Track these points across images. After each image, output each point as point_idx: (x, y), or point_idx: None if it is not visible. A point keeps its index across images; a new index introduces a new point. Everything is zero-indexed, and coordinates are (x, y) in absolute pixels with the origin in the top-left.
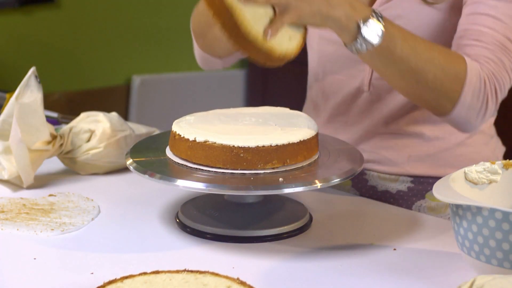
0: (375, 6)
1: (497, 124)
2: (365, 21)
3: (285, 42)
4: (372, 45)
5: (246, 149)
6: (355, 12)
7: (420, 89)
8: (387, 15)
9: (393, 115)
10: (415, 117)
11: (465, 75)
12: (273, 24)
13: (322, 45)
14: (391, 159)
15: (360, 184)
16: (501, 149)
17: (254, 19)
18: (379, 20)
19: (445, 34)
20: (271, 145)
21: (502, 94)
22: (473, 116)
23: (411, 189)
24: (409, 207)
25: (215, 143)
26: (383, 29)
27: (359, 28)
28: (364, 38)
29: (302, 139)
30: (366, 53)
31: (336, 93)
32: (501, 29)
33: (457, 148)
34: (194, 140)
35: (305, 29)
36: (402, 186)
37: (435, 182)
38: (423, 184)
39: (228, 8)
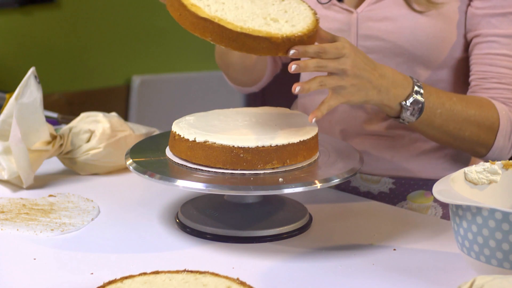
0: (363, 7)
1: None
2: (407, 100)
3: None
4: (414, 120)
5: (246, 149)
6: (398, 91)
7: (457, 143)
8: (375, 15)
9: (376, 118)
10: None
11: (498, 124)
12: (322, 106)
13: None
14: (374, 160)
15: (343, 185)
16: None
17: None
18: (420, 95)
19: (430, 39)
20: (271, 145)
21: None
22: (504, 154)
23: (393, 191)
24: None
25: (215, 143)
26: (424, 103)
27: (402, 107)
28: (407, 116)
29: (302, 139)
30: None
31: (322, 92)
32: None
33: (439, 151)
34: (194, 141)
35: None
36: (384, 187)
37: (416, 184)
38: (404, 186)
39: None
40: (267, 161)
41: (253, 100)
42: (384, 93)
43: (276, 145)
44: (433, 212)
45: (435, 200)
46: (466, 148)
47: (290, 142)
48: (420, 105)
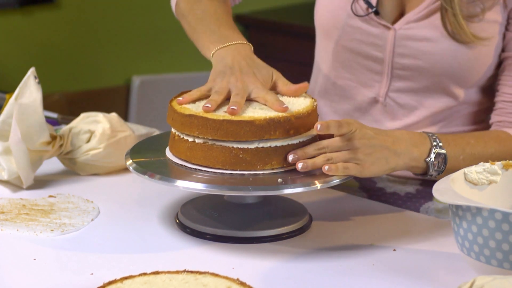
0: (401, 24)
1: None
2: (430, 155)
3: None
4: (441, 173)
5: (245, 150)
6: (420, 149)
7: None
8: (414, 35)
9: (405, 127)
10: (426, 131)
11: None
12: (340, 167)
13: (339, 51)
14: None
15: (368, 186)
16: None
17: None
18: (440, 147)
19: (471, 61)
20: (270, 146)
21: None
22: None
23: (420, 191)
24: (417, 209)
25: (214, 144)
26: (447, 154)
27: (427, 164)
28: (434, 170)
29: (301, 141)
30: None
31: (348, 99)
32: None
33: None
34: (194, 141)
35: None
36: (411, 188)
37: None
38: (431, 186)
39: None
40: (267, 162)
41: None
42: (405, 155)
43: (276, 146)
44: None
45: None
46: None
47: (289, 144)
48: (443, 157)
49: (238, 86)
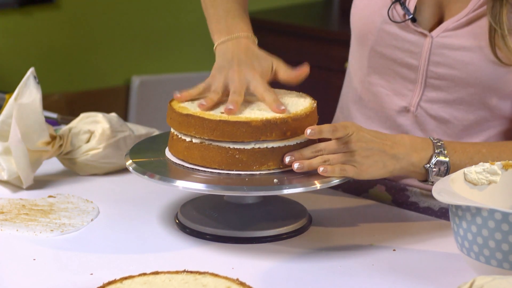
0: (438, 31)
1: None
2: (431, 161)
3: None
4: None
5: (242, 151)
6: (420, 155)
7: None
8: (452, 43)
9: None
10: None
11: None
12: (337, 168)
13: (373, 57)
14: None
15: (401, 200)
16: None
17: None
18: (443, 155)
19: (502, 76)
20: (266, 147)
21: None
22: None
23: None
24: None
25: (211, 144)
26: (449, 162)
27: (427, 170)
28: (434, 177)
29: (298, 142)
30: None
31: (380, 106)
32: None
33: None
34: (191, 141)
35: None
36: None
37: None
38: None
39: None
40: (263, 163)
41: None
42: (404, 159)
43: (272, 147)
44: None
45: None
46: None
47: (287, 145)
48: (445, 165)
49: (235, 80)
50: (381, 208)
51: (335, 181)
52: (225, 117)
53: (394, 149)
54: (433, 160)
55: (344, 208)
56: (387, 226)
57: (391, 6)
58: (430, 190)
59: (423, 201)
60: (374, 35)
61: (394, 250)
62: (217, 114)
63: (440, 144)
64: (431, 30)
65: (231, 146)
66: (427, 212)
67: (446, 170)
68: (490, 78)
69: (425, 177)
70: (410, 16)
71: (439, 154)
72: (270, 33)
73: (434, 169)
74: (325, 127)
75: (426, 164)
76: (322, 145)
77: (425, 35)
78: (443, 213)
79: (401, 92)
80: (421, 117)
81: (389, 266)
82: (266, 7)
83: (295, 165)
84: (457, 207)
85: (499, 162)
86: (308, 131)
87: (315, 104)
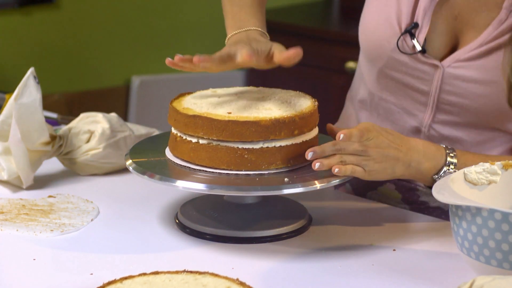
0: (450, 61)
1: None
2: (439, 172)
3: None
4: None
5: (250, 150)
6: (431, 164)
7: None
8: (464, 75)
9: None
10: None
11: None
12: (344, 168)
13: (383, 78)
14: None
15: (411, 199)
16: None
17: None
18: (454, 165)
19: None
20: (275, 146)
21: None
22: None
23: None
24: None
25: (219, 144)
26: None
27: (434, 181)
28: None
29: (304, 140)
30: None
31: (391, 122)
32: None
33: None
34: (197, 142)
35: None
36: None
37: None
38: None
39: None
40: (271, 162)
41: None
42: (414, 167)
43: (280, 146)
44: None
45: None
46: None
47: (293, 143)
48: (452, 168)
49: (231, 48)
50: (381, 208)
51: (335, 181)
52: (233, 117)
53: (408, 156)
54: (441, 173)
55: (344, 208)
56: (387, 226)
57: (400, 37)
58: None
59: (433, 200)
60: (384, 60)
61: (394, 250)
62: (224, 114)
63: (453, 154)
64: (443, 58)
65: (240, 146)
66: (436, 211)
67: None
68: (501, 107)
69: (431, 184)
70: (419, 50)
71: (449, 165)
72: (270, 33)
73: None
74: (355, 131)
75: (435, 175)
76: (342, 144)
77: (436, 66)
78: None
79: (412, 112)
80: (433, 138)
81: (389, 266)
82: (266, 7)
83: (316, 165)
84: (457, 207)
85: (499, 162)
86: (341, 135)
87: (316, 103)
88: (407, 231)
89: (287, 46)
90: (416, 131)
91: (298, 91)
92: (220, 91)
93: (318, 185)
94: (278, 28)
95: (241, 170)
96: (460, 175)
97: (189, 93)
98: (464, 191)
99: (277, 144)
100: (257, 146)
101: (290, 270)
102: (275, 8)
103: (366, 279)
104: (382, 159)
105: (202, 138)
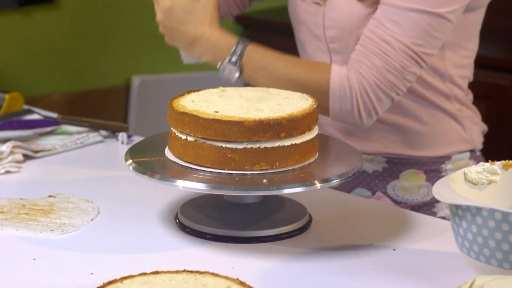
0: None
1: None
2: (222, 65)
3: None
4: (234, 79)
5: (234, 150)
6: (216, 55)
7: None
8: (334, 7)
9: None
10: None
11: (328, 87)
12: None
13: (301, 39)
14: (365, 139)
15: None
16: (477, 133)
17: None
18: (234, 63)
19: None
20: (259, 147)
21: (377, 93)
22: (350, 118)
23: (386, 170)
24: (384, 187)
25: (204, 142)
26: (237, 74)
27: (219, 69)
28: (226, 74)
29: (294, 143)
30: None
31: (322, 51)
32: (380, 32)
33: (424, 130)
34: (186, 139)
35: None
36: (377, 166)
37: (408, 163)
38: (397, 165)
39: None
40: (255, 162)
41: None
42: (198, 53)
43: (265, 147)
44: (425, 192)
45: (428, 179)
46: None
47: (280, 145)
48: (236, 72)
49: None
50: (381, 208)
51: (335, 181)
52: (218, 116)
53: (192, 46)
54: (222, 66)
55: (344, 208)
56: (387, 226)
57: None
58: (364, 153)
59: None
60: (295, 18)
61: (394, 250)
62: (211, 112)
63: (241, 49)
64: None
65: (224, 145)
66: (362, 175)
67: (238, 75)
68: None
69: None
70: None
71: (230, 62)
72: (270, 33)
73: (224, 70)
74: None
75: (216, 64)
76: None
77: (319, 4)
78: (376, 175)
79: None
80: None
81: (389, 266)
82: (266, 7)
83: None
84: (457, 207)
85: (499, 162)
86: None
87: (315, 105)
88: (407, 231)
89: (287, 46)
90: None
91: (303, 94)
92: (228, 89)
93: (318, 185)
94: (278, 28)
95: (224, 169)
96: (460, 175)
97: (193, 91)
98: (464, 191)
99: (262, 145)
100: (240, 146)
101: (290, 270)
102: (275, 8)
103: (366, 279)
104: (167, 32)
105: (189, 135)
